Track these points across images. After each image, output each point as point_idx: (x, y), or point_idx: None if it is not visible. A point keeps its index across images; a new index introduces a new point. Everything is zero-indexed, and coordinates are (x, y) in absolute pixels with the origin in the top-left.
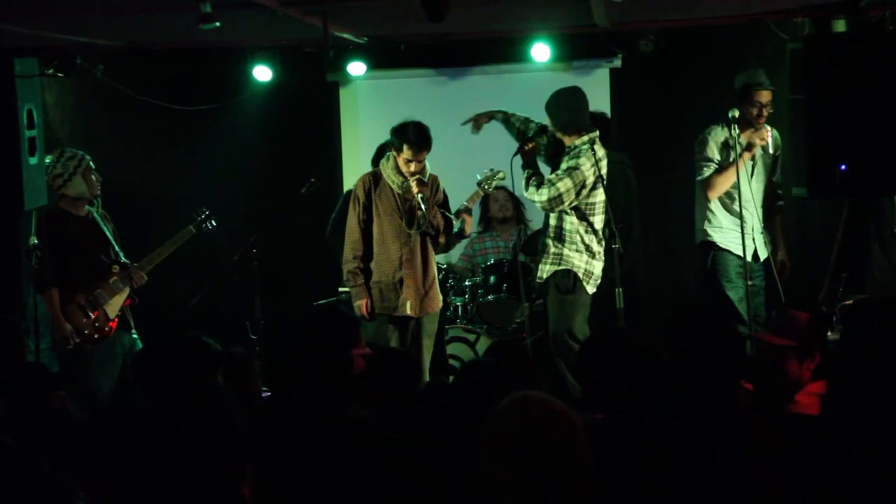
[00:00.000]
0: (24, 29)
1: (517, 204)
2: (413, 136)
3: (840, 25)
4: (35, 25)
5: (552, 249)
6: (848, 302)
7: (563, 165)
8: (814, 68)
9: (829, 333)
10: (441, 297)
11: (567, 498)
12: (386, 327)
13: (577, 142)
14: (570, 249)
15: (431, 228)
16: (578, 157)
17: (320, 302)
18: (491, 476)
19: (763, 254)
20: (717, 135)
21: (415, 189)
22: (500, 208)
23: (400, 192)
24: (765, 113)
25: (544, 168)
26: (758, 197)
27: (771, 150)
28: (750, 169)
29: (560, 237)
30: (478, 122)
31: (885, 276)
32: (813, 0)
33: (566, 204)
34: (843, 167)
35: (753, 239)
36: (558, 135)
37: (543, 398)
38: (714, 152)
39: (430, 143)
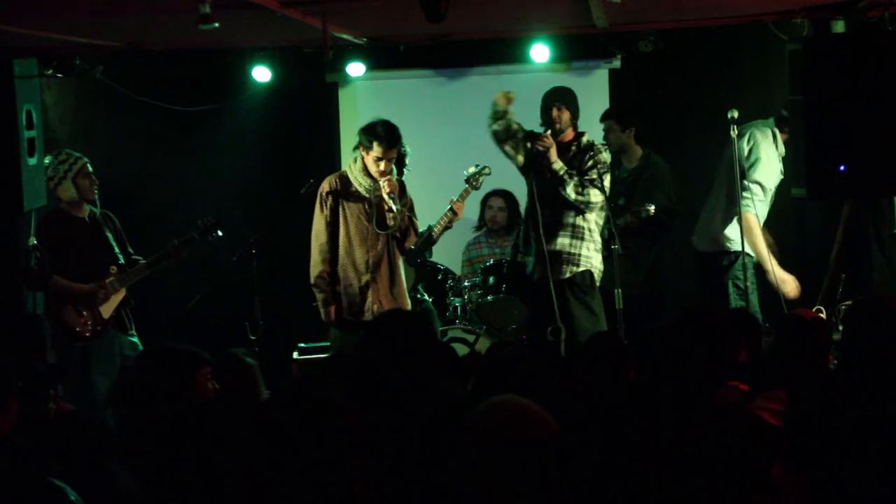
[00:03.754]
0: (23, 29)
1: (512, 211)
2: (383, 132)
3: (839, 26)
4: (34, 26)
5: (567, 249)
6: (847, 302)
7: (591, 163)
8: (813, 69)
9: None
10: (409, 302)
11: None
12: (353, 333)
13: (585, 140)
14: (588, 249)
15: (399, 231)
16: (599, 154)
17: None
18: (468, 480)
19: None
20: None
21: (386, 189)
22: (491, 219)
23: (367, 195)
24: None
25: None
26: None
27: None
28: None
29: (579, 236)
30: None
31: (885, 277)
32: (812, 1)
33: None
34: (842, 168)
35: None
36: (566, 130)
37: (522, 402)
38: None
39: (399, 140)
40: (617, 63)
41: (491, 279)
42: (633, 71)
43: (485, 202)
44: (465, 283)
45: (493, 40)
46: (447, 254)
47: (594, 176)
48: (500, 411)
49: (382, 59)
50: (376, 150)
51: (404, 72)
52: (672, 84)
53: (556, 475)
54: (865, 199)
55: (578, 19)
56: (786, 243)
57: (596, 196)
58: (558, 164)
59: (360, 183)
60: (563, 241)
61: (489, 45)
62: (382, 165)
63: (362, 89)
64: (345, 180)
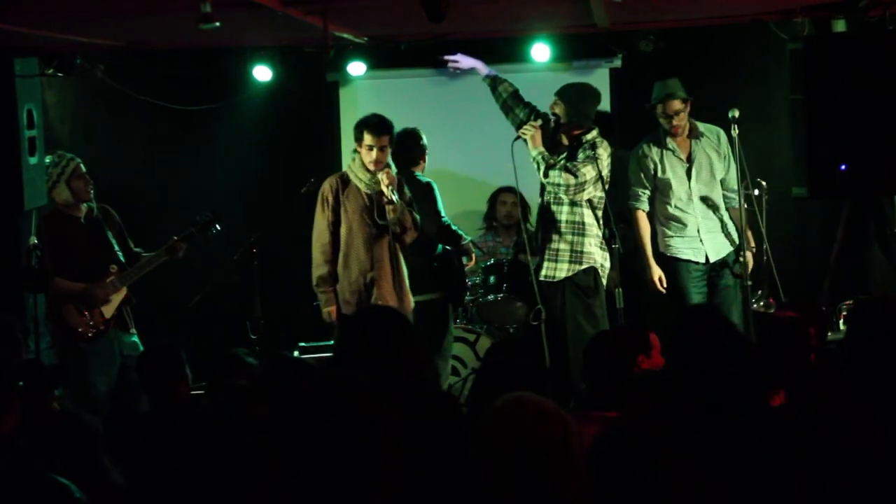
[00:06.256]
0: (24, 29)
1: (523, 207)
2: (372, 119)
3: (840, 25)
4: (35, 25)
5: (568, 246)
6: (848, 302)
7: (581, 155)
8: (813, 68)
9: (830, 334)
10: (412, 297)
11: (560, 499)
12: None
13: (589, 136)
14: (590, 245)
15: (398, 225)
16: (595, 148)
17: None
18: (483, 477)
19: (714, 256)
20: (648, 152)
21: (385, 181)
22: (506, 215)
23: (368, 191)
24: (675, 122)
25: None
26: (698, 199)
27: (719, 151)
28: (685, 171)
29: (578, 232)
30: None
31: (885, 276)
32: (813, 0)
33: (585, 193)
34: (842, 167)
35: (701, 241)
36: (563, 127)
37: (537, 399)
38: (645, 177)
39: (390, 128)
40: (618, 62)
41: (491, 279)
42: (633, 70)
43: (496, 198)
44: (466, 283)
45: (494, 40)
46: None
47: (573, 163)
48: (515, 408)
49: (383, 58)
50: (367, 138)
51: (405, 71)
52: None
53: (573, 472)
54: (866, 199)
55: (579, 18)
56: (786, 243)
57: (567, 179)
58: (535, 151)
59: (359, 179)
60: (565, 238)
61: (489, 44)
62: (375, 154)
63: (363, 88)
64: (345, 179)
